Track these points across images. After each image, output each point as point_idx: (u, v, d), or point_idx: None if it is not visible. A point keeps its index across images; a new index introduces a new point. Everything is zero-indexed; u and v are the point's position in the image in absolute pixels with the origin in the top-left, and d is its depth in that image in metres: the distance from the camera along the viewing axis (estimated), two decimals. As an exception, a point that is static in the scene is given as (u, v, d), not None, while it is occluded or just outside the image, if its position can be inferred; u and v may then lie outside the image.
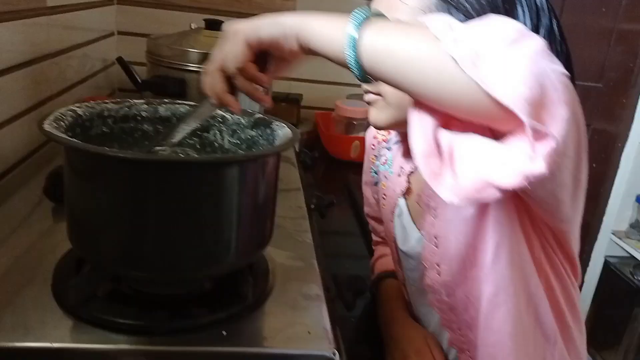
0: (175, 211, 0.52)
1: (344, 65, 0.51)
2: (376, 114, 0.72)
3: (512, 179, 0.42)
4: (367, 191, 0.97)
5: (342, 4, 1.70)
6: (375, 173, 0.89)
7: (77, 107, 0.63)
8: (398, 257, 0.82)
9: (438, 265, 0.70)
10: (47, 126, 0.53)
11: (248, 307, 0.60)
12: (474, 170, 0.45)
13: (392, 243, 0.82)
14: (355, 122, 1.56)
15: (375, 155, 0.90)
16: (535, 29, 0.64)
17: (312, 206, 0.97)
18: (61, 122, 0.57)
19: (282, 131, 0.65)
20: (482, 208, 0.63)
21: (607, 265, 2.14)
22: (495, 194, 0.44)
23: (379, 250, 0.99)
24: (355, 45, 0.48)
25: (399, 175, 0.80)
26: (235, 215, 0.56)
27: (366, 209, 1.00)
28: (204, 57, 1.03)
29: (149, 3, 1.64)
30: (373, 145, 0.91)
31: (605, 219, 2.13)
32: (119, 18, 1.64)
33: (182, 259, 0.54)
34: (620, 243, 2.08)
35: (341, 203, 1.38)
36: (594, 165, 2.14)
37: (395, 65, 0.47)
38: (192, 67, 1.02)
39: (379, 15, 0.50)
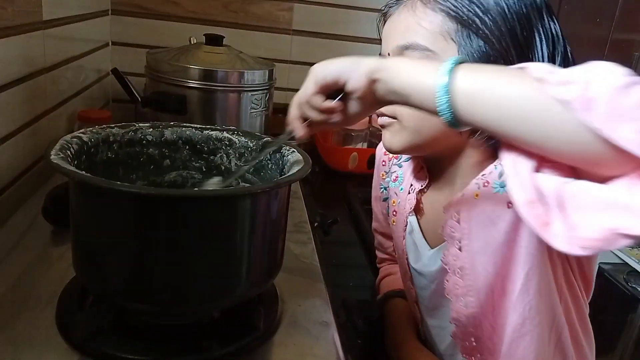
0: (185, 245, 0.51)
1: (429, 110, 0.49)
2: (391, 138, 0.71)
3: None
4: (376, 206, 0.96)
5: (339, 15, 1.71)
6: (385, 189, 0.89)
7: (82, 133, 0.61)
8: (410, 275, 0.81)
9: (464, 298, 0.69)
10: (54, 157, 0.52)
11: (259, 338, 0.59)
12: (596, 219, 0.42)
13: (403, 260, 0.82)
14: (353, 134, 1.55)
15: (385, 172, 0.89)
16: (552, 57, 0.63)
17: (316, 224, 0.96)
18: (67, 151, 0.56)
19: (292, 156, 0.64)
20: (512, 237, 0.63)
21: (600, 272, 2.14)
22: (625, 242, 0.41)
23: (385, 269, 0.98)
24: (447, 90, 0.46)
25: (409, 193, 0.80)
26: (247, 246, 0.55)
27: (374, 224, 0.99)
28: (205, 74, 1.02)
29: (143, 13, 1.62)
30: (384, 161, 0.91)
31: (598, 226, 2.14)
32: (113, 28, 1.62)
33: (192, 292, 0.53)
34: (614, 250, 2.09)
35: (340, 215, 1.38)
36: (587, 173, 2.15)
37: (495, 110, 0.45)
38: (193, 83, 1.01)
39: (467, 61, 0.48)
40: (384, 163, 0.91)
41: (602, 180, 0.43)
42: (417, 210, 0.80)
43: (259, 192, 0.51)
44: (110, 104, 1.66)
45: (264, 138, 0.69)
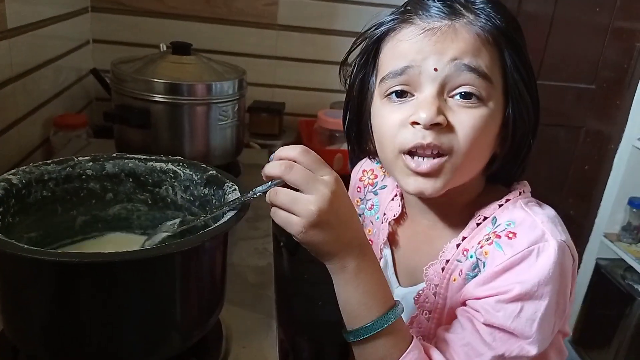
0: (111, 305, 0.49)
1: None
2: (435, 179, 0.61)
3: None
4: None
5: (325, 8, 1.66)
6: (359, 216, 0.83)
7: (13, 174, 0.59)
8: None
9: None
10: (-31, 212, 0.50)
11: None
12: None
13: None
14: (337, 134, 1.52)
15: (360, 198, 0.83)
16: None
17: (281, 244, 0.93)
18: (-10, 199, 0.54)
19: (233, 195, 0.61)
20: None
21: (598, 267, 2.11)
22: None
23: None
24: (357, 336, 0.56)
25: (382, 222, 0.76)
26: (179, 299, 0.53)
27: None
28: (170, 87, 0.98)
29: (124, 10, 1.59)
30: (359, 187, 0.84)
31: (597, 221, 2.09)
32: (94, 26, 1.59)
33: (124, 351, 0.52)
34: (612, 246, 2.04)
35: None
36: (586, 167, 2.10)
37: None
38: (157, 97, 0.98)
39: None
40: (359, 189, 0.84)
41: None
42: (393, 241, 0.75)
43: (175, 252, 0.49)
44: (94, 102, 1.64)
45: (208, 171, 0.66)
